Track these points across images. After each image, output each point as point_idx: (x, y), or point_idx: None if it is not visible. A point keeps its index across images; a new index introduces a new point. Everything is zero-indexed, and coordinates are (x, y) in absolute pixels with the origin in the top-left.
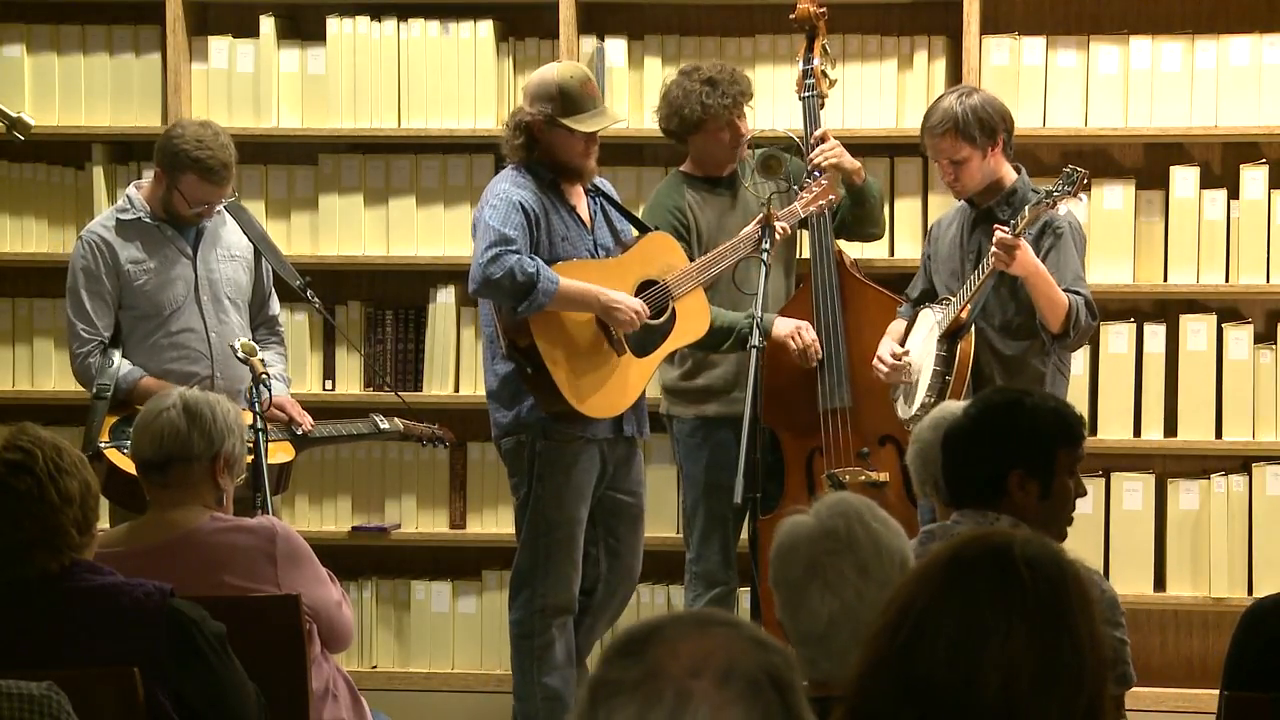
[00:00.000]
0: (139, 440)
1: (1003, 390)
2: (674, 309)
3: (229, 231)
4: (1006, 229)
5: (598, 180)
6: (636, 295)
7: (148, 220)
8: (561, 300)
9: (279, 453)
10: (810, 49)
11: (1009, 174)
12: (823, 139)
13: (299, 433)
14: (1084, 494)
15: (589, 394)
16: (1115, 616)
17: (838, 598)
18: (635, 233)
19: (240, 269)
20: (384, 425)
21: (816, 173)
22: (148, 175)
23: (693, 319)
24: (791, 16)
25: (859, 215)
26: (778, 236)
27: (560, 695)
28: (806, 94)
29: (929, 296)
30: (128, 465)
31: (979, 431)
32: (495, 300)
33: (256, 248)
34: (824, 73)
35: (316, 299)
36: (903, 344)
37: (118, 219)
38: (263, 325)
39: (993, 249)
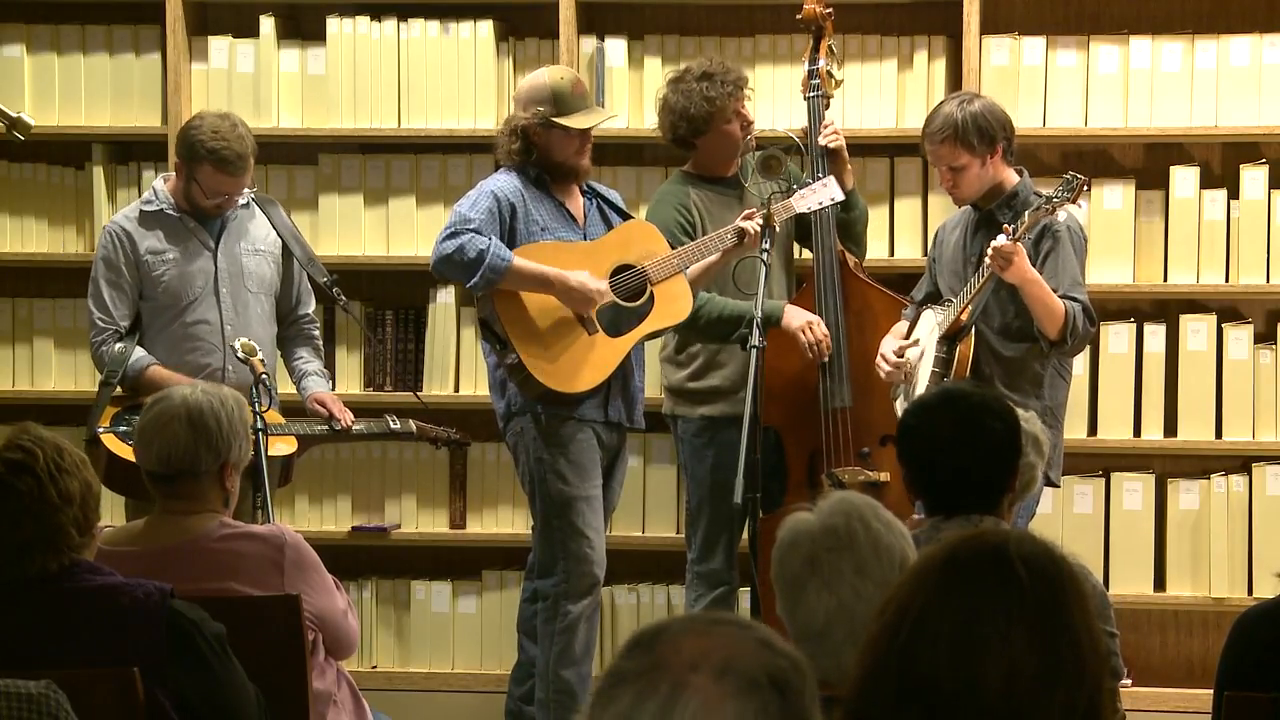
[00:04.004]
0: (144, 452)
1: (955, 394)
2: (653, 293)
3: (257, 225)
4: (1007, 233)
5: (601, 187)
6: (612, 279)
7: (171, 212)
8: (516, 278)
9: (281, 444)
10: (816, 49)
11: (1010, 177)
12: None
13: (338, 429)
14: None
15: (556, 369)
16: (1106, 612)
17: (834, 595)
18: None
19: (266, 263)
20: (395, 425)
21: (819, 175)
22: (149, 175)
23: (673, 303)
24: (798, 17)
25: (841, 221)
26: (775, 226)
27: (572, 691)
28: (811, 94)
29: (934, 299)
30: (125, 452)
31: (987, 434)
32: (450, 277)
33: (285, 244)
34: (829, 73)
35: (343, 296)
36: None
37: (141, 210)
38: (294, 324)
39: (989, 254)
